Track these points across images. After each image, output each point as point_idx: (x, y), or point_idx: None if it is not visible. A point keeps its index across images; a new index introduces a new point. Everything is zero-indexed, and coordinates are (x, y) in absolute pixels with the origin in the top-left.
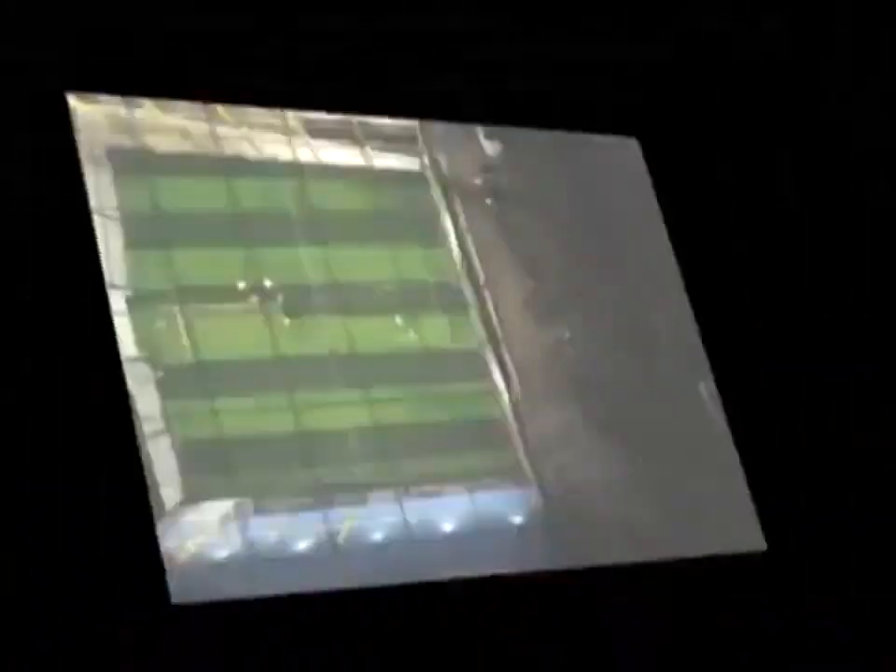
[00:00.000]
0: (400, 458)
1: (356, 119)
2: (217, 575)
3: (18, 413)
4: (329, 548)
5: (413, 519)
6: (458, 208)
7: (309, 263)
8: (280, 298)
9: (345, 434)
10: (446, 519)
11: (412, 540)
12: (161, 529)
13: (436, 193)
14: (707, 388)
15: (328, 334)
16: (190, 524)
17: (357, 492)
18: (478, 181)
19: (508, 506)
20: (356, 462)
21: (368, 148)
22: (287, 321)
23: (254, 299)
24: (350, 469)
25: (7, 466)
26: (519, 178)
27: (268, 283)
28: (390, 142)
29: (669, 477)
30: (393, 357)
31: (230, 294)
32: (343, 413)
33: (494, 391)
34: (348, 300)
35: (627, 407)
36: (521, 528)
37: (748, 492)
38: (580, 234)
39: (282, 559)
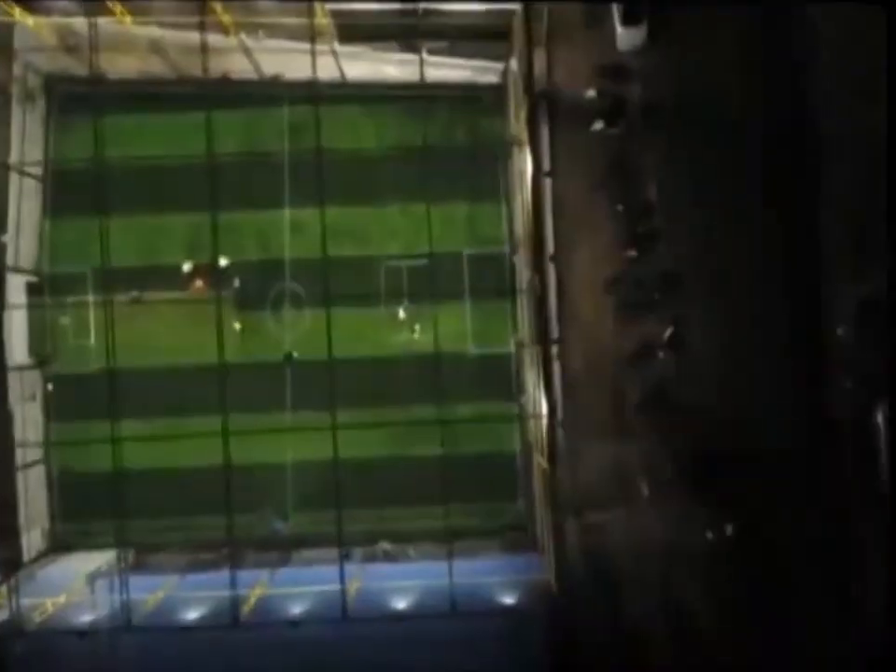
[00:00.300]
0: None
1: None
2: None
3: None
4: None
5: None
6: None
7: (291, 231)
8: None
9: (280, 470)
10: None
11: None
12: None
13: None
14: None
15: (291, 334)
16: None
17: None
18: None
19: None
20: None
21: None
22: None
23: (198, 284)
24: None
25: None
26: None
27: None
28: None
29: None
30: (380, 365)
31: (168, 278)
32: (283, 441)
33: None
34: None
35: None
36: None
37: None
38: None
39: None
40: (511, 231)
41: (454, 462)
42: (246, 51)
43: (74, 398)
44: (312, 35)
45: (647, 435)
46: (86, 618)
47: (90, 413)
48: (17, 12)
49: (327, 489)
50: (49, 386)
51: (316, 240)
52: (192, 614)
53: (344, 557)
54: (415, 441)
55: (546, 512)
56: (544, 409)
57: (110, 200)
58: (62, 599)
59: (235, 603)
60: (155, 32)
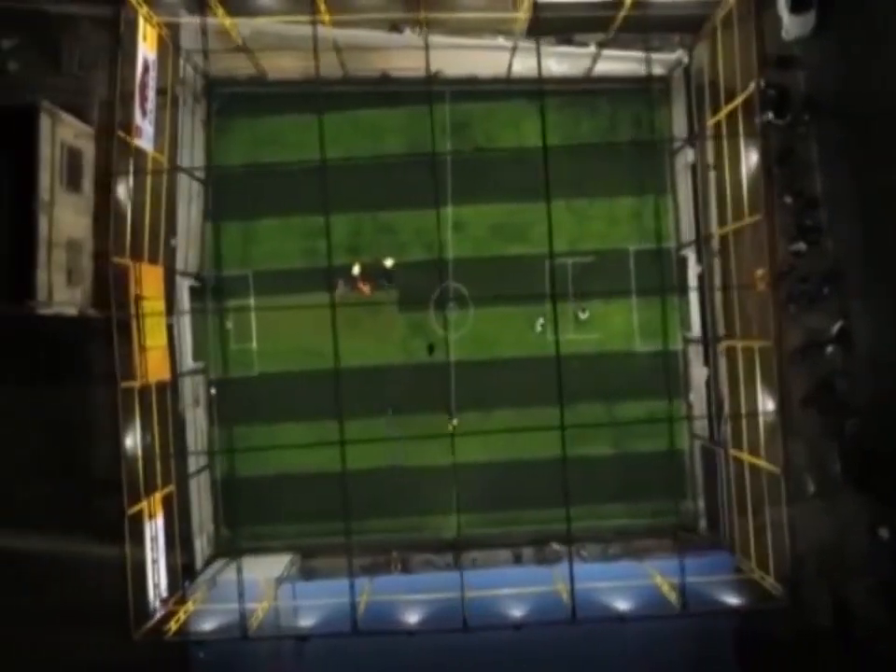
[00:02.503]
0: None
1: None
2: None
3: None
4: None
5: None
6: None
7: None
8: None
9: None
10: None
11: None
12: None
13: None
14: None
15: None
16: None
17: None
18: None
19: None
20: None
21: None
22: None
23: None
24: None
25: None
26: None
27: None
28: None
29: None
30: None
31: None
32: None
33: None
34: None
35: None
36: None
37: None
38: None
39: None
40: (678, 226)
41: (621, 461)
42: (424, 48)
43: (236, 402)
44: (505, 30)
45: (812, 431)
46: (304, 622)
47: (252, 416)
48: (220, 13)
49: (493, 491)
50: (213, 391)
51: (479, 238)
52: (413, 617)
53: (517, 559)
54: (583, 440)
55: (767, 512)
56: (766, 407)
57: (269, 201)
58: (264, 604)
59: (459, 606)
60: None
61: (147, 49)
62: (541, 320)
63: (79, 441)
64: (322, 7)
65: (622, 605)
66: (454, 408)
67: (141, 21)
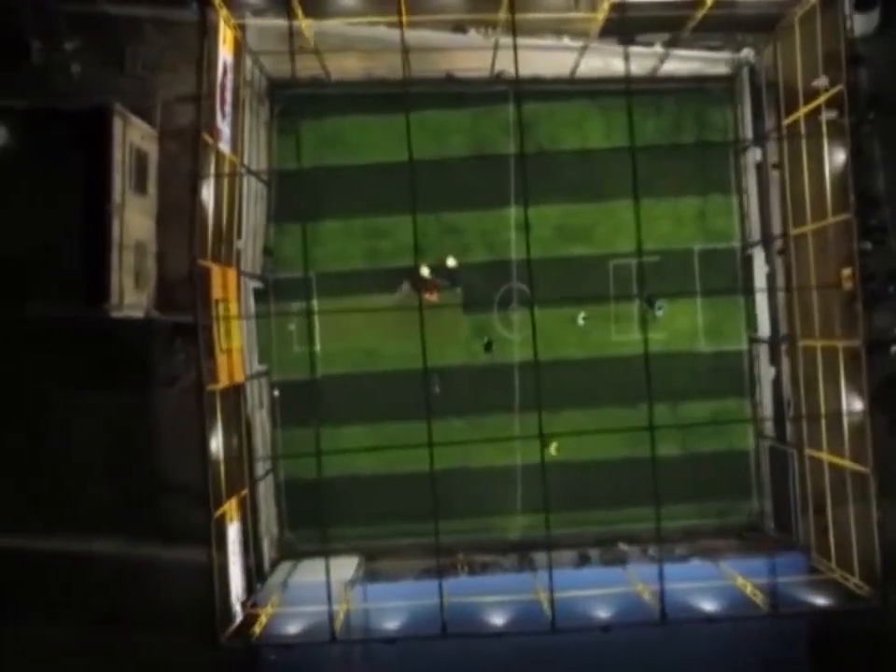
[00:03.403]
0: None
1: None
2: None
3: None
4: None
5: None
6: None
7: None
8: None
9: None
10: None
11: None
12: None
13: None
14: None
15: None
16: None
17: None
18: None
19: None
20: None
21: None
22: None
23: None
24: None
25: None
26: None
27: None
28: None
29: None
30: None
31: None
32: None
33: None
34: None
35: None
36: None
37: None
38: None
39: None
40: (743, 226)
41: (687, 461)
42: (489, 48)
43: (300, 404)
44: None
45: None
46: (387, 625)
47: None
48: (300, 15)
49: (558, 491)
50: (276, 393)
51: (544, 239)
52: (497, 619)
53: (584, 559)
54: (647, 440)
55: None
56: (856, 407)
57: (333, 203)
58: (343, 606)
59: (539, 608)
60: (379, 32)
61: (225, 51)
62: (583, 314)
63: (148, 444)
64: (403, 7)
65: (707, 606)
66: (517, 407)
67: (221, 24)
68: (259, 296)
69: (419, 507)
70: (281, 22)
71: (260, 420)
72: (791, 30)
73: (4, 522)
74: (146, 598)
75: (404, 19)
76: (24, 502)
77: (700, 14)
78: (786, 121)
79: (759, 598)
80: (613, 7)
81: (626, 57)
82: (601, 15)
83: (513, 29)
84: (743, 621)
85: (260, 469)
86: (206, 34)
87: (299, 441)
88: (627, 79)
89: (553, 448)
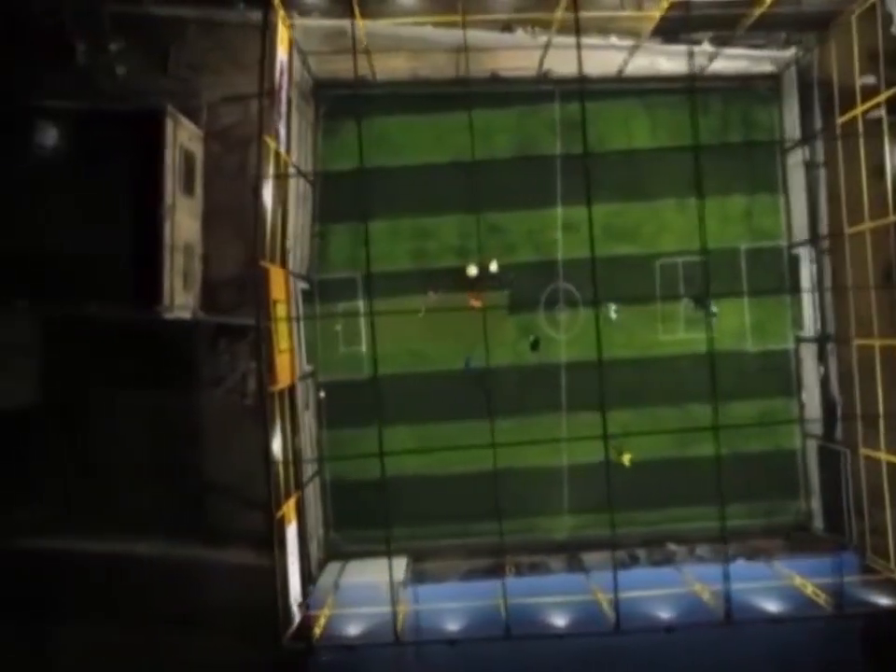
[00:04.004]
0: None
1: None
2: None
3: None
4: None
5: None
6: None
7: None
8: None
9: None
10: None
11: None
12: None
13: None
14: None
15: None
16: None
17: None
18: None
19: None
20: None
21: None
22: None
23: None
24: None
25: None
26: None
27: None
28: None
29: None
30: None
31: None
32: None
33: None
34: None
35: None
36: None
37: None
38: None
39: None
40: (790, 225)
41: (733, 461)
42: (537, 48)
43: (347, 405)
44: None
45: None
46: (447, 626)
47: (360, 419)
48: (357, 15)
49: (603, 491)
50: (322, 394)
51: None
52: (557, 620)
53: (633, 559)
54: (695, 441)
55: None
56: None
57: (378, 203)
58: (402, 607)
59: (597, 608)
60: (427, 31)
61: (282, 51)
62: (613, 307)
63: (194, 445)
64: (461, 7)
65: (768, 606)
66: (564, 407)
67: (280, 23)
68: (307, 296)
69: (466, 507)
70: (330, 22)
71: (307, 421)
72: (846, 28)
73: (63, 523)
74: (196, 600)
75: (464, 18)
76: (71, 502)
77: (758, 12)
78: (840, 120)
79: (821, 598)
80: (673, 6)
81: (690, 55)
82: (658, 13)
83: (577, 28)
84: (804, 621)
85: (309, 470)
86: (265, 35)
87: (344, 442)
88: (691, 77)
89: (626, 459)
